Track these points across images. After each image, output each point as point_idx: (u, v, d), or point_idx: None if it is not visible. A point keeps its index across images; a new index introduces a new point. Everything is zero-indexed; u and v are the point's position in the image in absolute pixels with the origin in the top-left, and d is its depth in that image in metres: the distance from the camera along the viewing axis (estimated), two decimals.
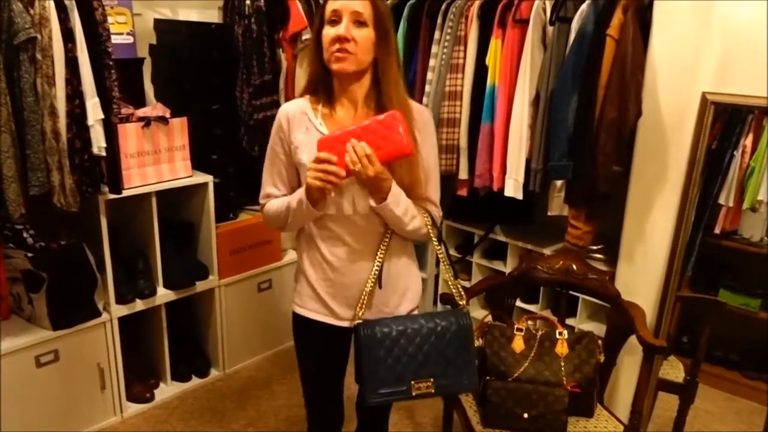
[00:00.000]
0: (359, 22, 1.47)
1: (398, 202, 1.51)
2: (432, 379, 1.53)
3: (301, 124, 1.58)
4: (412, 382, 1.52)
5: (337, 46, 1.47)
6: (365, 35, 1.48)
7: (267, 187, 1.67)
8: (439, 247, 1.62)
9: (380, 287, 1.60)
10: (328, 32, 1.49)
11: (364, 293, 1.58)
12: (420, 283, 1.76)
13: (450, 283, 1.64)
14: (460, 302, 1.62)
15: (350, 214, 1.56)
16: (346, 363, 1.78)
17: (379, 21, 1.49)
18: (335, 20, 1.48)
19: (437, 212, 1.67)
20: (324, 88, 1.59)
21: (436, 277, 3.26)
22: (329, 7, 1.49)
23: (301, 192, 1.52)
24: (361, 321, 1.56)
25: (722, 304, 2.38)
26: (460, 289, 1.63)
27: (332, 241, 1.59)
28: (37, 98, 2.03)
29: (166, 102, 2.66)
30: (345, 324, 1.65)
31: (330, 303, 1.64)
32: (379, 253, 1.58)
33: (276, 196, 1.65)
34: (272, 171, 1.65)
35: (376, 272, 1.58)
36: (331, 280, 1.62)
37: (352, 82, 1.55)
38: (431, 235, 1.60)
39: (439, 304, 3.22)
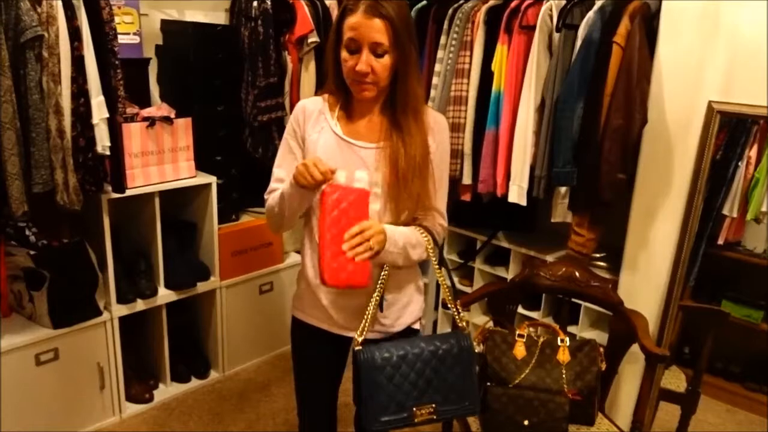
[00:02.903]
0: (379, 54, 1.44)
1: (393, 242, 1.48)
2: (434, 405, 1.51)
3: (317, 122, 1.57)
4: (414, 409, 1.49)
5: (358, 77, 1.45)
6: (385, 63, 1.45)
7: (274, 182, 1.63)
8: (440, 275, 1.59)
9: (381, 310, 1.58)
10: (347, 60, 1.46)
11: (365, 318, 1.53)
12: (422, 297, 1.73)
13: (450, 307, 1.61)
14: (460, 324, 1.60)
15: None
16: (342, 372, 1.77)
17: (399, 42, 1.45)
18: (354, 49, 1.44)
19: (443, 222, 1.65)
20: (341, 95, 1.57)
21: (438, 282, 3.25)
22: (347, 33, 1.44)
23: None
24: (360, 347, 1.51)
25: (725, 315, 2.37)
26: (461, 313, 1.60)
27: None
28: (42, 96, 2.03)
29: (171, 102, 2.67)
30: (344, 333, 1.63)
31: (330, 310, 1.61)
32: (382, 275, 1.53)
33: None
34: (282, 166, 1.62)
35: (378, 297, 1.54)
36: None
37: (371, 99, 1.54)
38: (432, 257, 1.58)
39: (440, 308, 3.21)
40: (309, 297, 1.65)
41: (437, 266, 1.59)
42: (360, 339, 1.52)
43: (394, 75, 1.49)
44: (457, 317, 1.60)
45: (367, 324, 1.53)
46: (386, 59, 1.45)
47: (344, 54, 1.46)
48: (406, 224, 1.57)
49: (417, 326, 1.72)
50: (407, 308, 1.67)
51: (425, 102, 1.61)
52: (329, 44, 1.53)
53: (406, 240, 1.51)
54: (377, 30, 1.42)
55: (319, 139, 1.55)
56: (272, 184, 1.63)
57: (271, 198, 1.60)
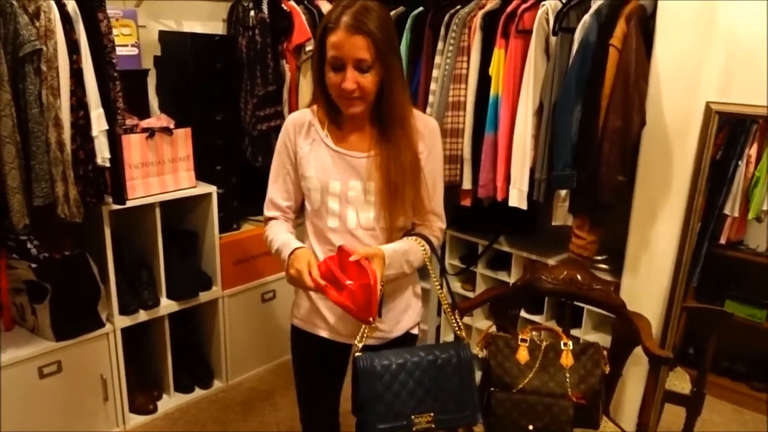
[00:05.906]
0: (363, 69, 1.43)
1: (391, 264, 1.50)
2: (432, 414, 1.50)
3: (308, 135, 1.58)
4: (412, 417, 1.48)
5: (345, 94, 1.45)
6: (371, 78, 1.44)
7: (271, 194, 1.64)
8: (439, 288, 1.60)
9: (380, 316, 1.57)
10: (333, 78, 1.45)
11: (363, 326, 1.53)
12: (420, 302, 1.73)
13: (449, 317, 1.61)
14: (460, 333, 1.59)
15: (353, 228, 1.55)
16: (343, 379, 1.77)
17: (382, 55, 1.44)
18: (339, 67, 1.43)
19: (441, 225, 1.65)
20: (329, 108, 1.56)
21: None
22: (330, 51, 1.42)
23: (287, 249, 1.51)
24: (360, 354, 1.51)
25: (728, 315, 2.36)
26: (460, 323, 1.60)
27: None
28: (41, 109, 2.04)
29: (170, 113, 2.67)
30: (343, 340, 1.63)
31: (329, 318, 1.62)
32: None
33: (279, 206, 1.64)
34: (277, 180, 1.63)
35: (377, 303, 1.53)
36: None
37: (359, 114, 1.54)
38: (429, 267, 1.59)
39: (443, 314, 3.20)
40: (306, 305, 1.66)
41: (437, 280, 1.59)
42: (360, 345, 1.52)
43: (380, 87, 1.48)
44: (456, 328, 1.60)
45: (366, 330, 1.53)
46: (371, 74, 1.44)
47: (329, 73, 1.45)
48: (403, 229, 1.59)
49: (415, 331, 1.72)
50: (405, 313, 1.67)
51: (423, 109, 1.61)
52: (313, 60, 1.53)
53: (403, 257, 1.53)
54: (360, 47, 1.40)
55: (312, 152, 1.56)
56: (269, 196, 1.65)
57: (270, 240, 1.61)
